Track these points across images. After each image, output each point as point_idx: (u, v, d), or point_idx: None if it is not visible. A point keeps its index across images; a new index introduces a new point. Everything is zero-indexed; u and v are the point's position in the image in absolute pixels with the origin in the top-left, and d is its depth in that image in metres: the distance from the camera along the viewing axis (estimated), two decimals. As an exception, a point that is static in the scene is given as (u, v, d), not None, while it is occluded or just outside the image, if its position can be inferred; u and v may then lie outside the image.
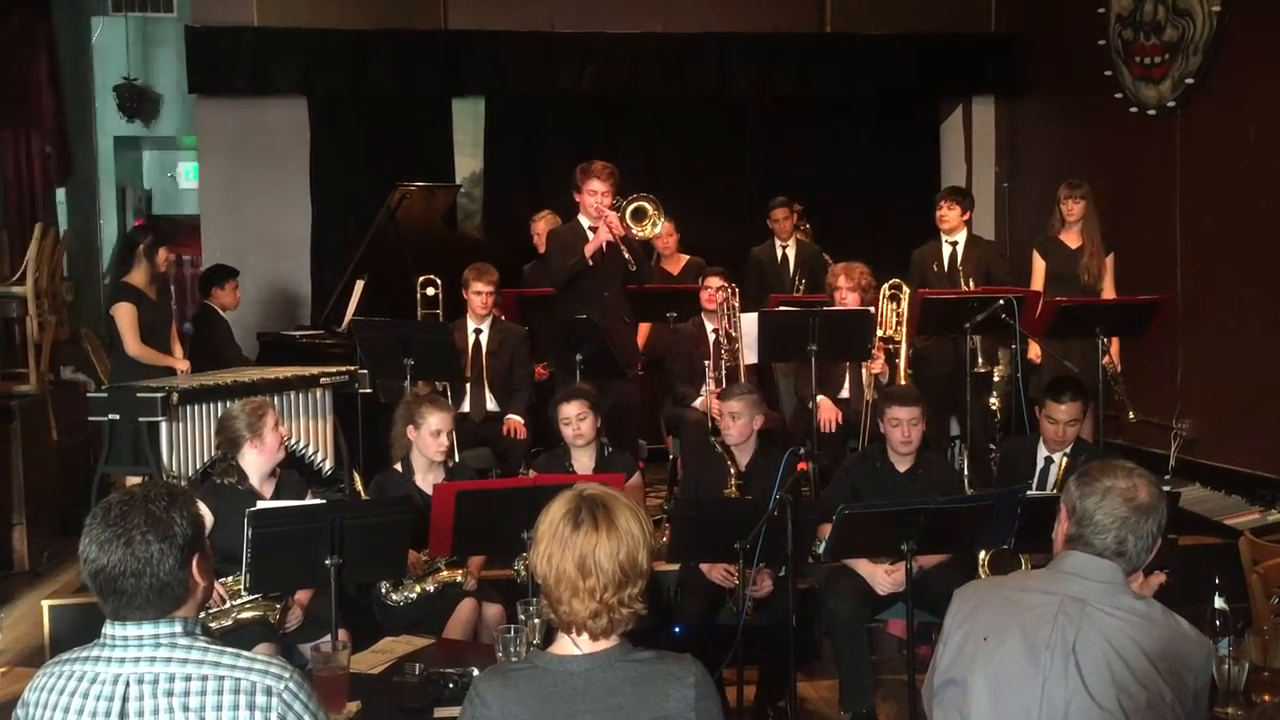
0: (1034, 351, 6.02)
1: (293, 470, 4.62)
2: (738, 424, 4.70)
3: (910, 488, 4.59)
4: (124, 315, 5.98)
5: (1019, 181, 9.10)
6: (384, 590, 4.21)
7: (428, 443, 4.44)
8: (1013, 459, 5.12)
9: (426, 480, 4.44)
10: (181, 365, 6.11)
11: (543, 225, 7.29)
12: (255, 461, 4.23)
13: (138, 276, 6.07)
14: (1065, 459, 4.73)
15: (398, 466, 4.57)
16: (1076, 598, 2.26)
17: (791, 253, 7.48)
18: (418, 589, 4.21)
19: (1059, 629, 2.24)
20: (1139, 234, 6.99)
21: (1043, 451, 4.85)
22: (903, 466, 4.68)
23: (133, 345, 5.96)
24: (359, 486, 5.33)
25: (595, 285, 5.78)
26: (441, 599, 4.22)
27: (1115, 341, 5.99)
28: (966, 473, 5.94)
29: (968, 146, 9.41)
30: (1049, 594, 2.29)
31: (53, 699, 1.96)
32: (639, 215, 5.64)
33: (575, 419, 4.71)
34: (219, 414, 5.15)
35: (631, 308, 6.04)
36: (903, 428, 4.60)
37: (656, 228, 5.75)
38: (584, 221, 5.80)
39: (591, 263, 5.68)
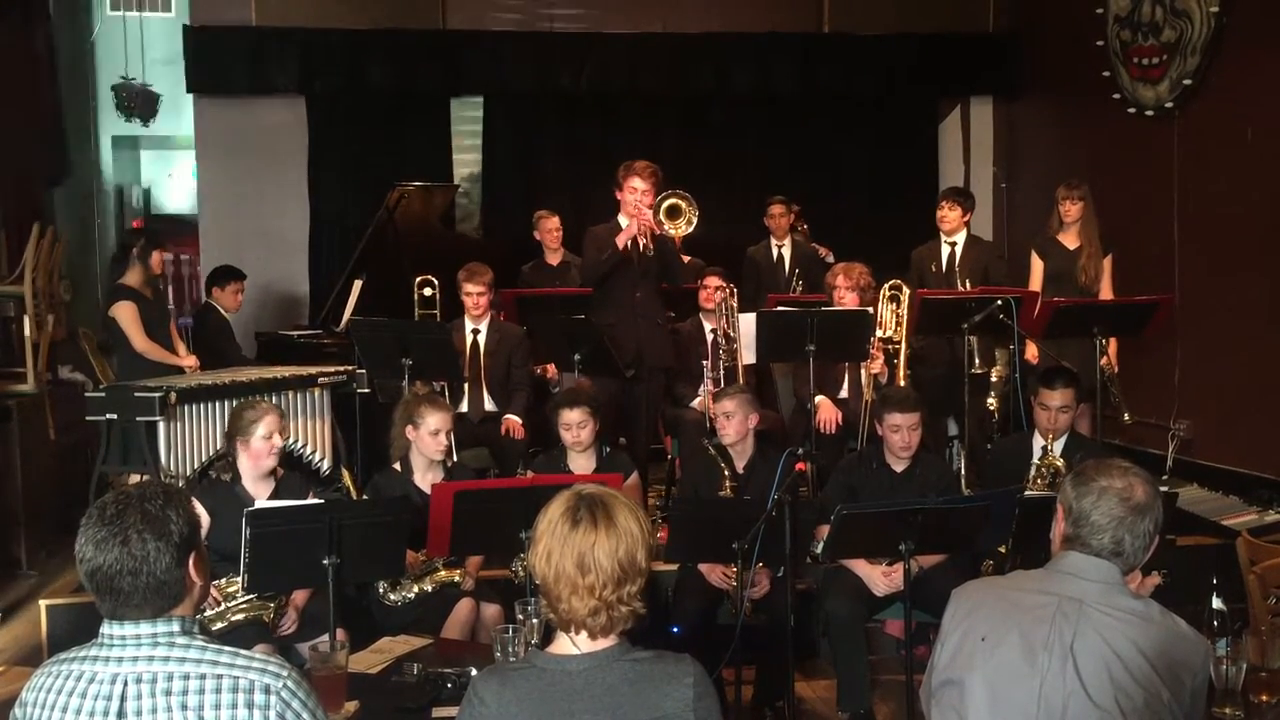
0: (1031, 352, 6.03)
1: (296, 472, 4.63)
2: (732, 423, 4.70)
3: (907, 488, 4.59)
4: (125, 313, 6.00)
5: (1017, 182, 9.11)
6: (382, 590, 4.21)
7: (427, 442, 4.44)
8: (1003, 459, 5.14)
9: (425, 480, 4.44)
10: (189, 363, 6.12)
11: (554, 224, 7.34)
12: (242, 463, 4.24)
13: (133, 278, 6.09)
14: (1052, 439, 4.77)
15: (396, 466, 4.57)
16: (1074, 598, 2.26)
17: (787, 252, 7.48)
18: (416, 589, 4.20)
19: (1057, 629, 2.24)
20: (1137, 235, 7.00)
21: (1038, 442, 4.88)
22: (899, 467, 4.68)
23: (140, 341, 5.99)
24: (349, 483, 5.33)
25: (626, 285, 5.77)
26: (439, 599, 4.21)
27: (1113, 343, 5.99)
28: (964, 473, 5.96)
29: (966, 147, 9.42)
30: (1047, 594, 2.30)
31: (51, 698, 1.96)
32: (674, 213, 5.63)
33: (576, 426, 4.70)
34: (217, 414, 5.18)
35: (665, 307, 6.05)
36: (902, 433, 4.60)
37: (691, 225, 5.71)
38: (623, 221, 5.78)
39: (625, 254, 5.65)
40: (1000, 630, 2.30)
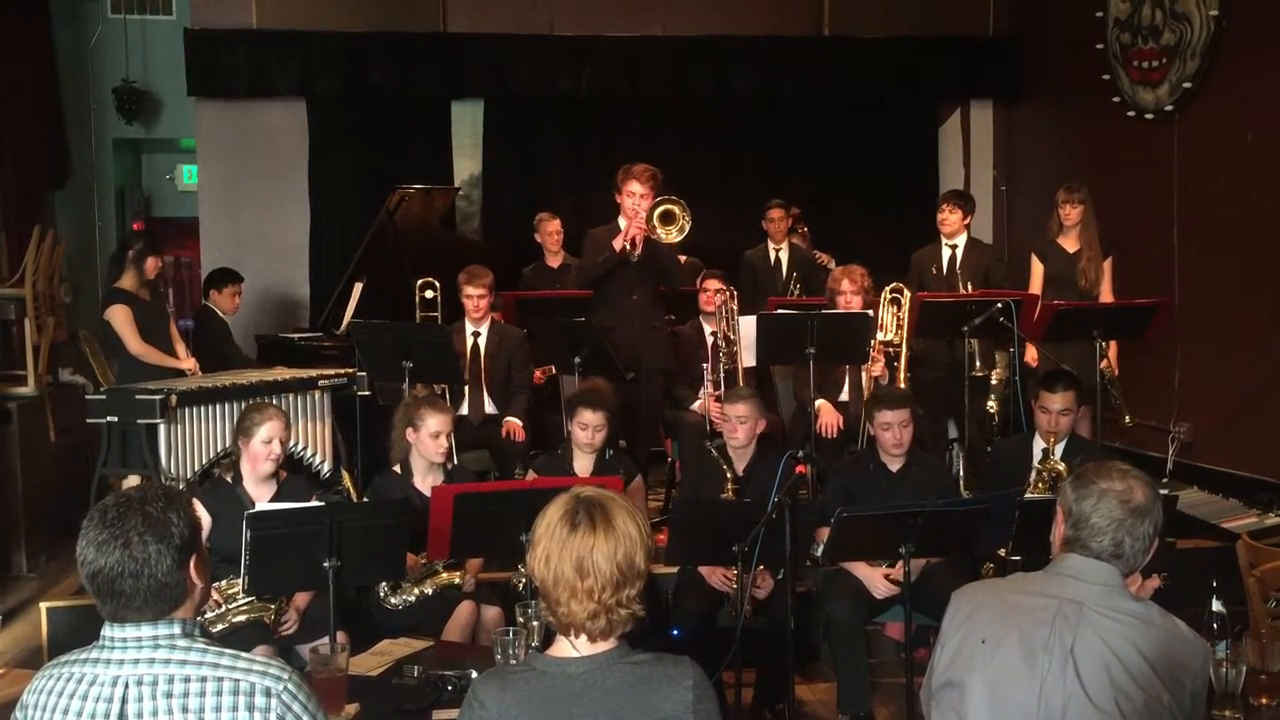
0: (1031, 355, 6.04)
1: (299, 475, 4.63)
2: (745, 427, 4.70)
3: (903, 487, 4.60)
4: (119, 316, 5.98)
5: (1017, 185, 9.12)
6: (382, 595, 4.20)
7: (427, 444, 4.44)
8: (1003, 460, 5.14)
9: (426, 482, 4.44)
10: (188, 365, 6.11)
11: (554, 226, 7.34)
12: (243, 462, 4.25)
13: (127, 280, 6.07)
14: (1053, 441, 4.77)
15: (396, 469, 4.57)
16: (1074, 600, 2.27)
17: (784, 256, 7.48)
18: (415, 592, 4.20)
19: (1057, 632, 2.24)
20: (1137, 237, 7.00)
21: (1038, 444, 4.88)
22: (895, 466, 4.69)
23: (135, 344, 5.97)
24: (348, 484, 5.34)
25: (623, 288, 5.77)
26: (440, 601, 4.21)
27: (1113, 345, 6.00)
28: (962, 475, 5.96)
29: (966, 150, 9.42)
30: (1047, 597, 2.30)
31: (51, 701, 1.96)
32: (667, 218, 5.63)
33: (593, 428, 4.70)
34: (217, 416, 5.19)
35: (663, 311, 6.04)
36: (893, 430, 4.61)
37: (684, 233, 5.73)
38: (623, 224, 5.78)
39: (620, 257, 5.65)
40: (1000, 632, 2.30)
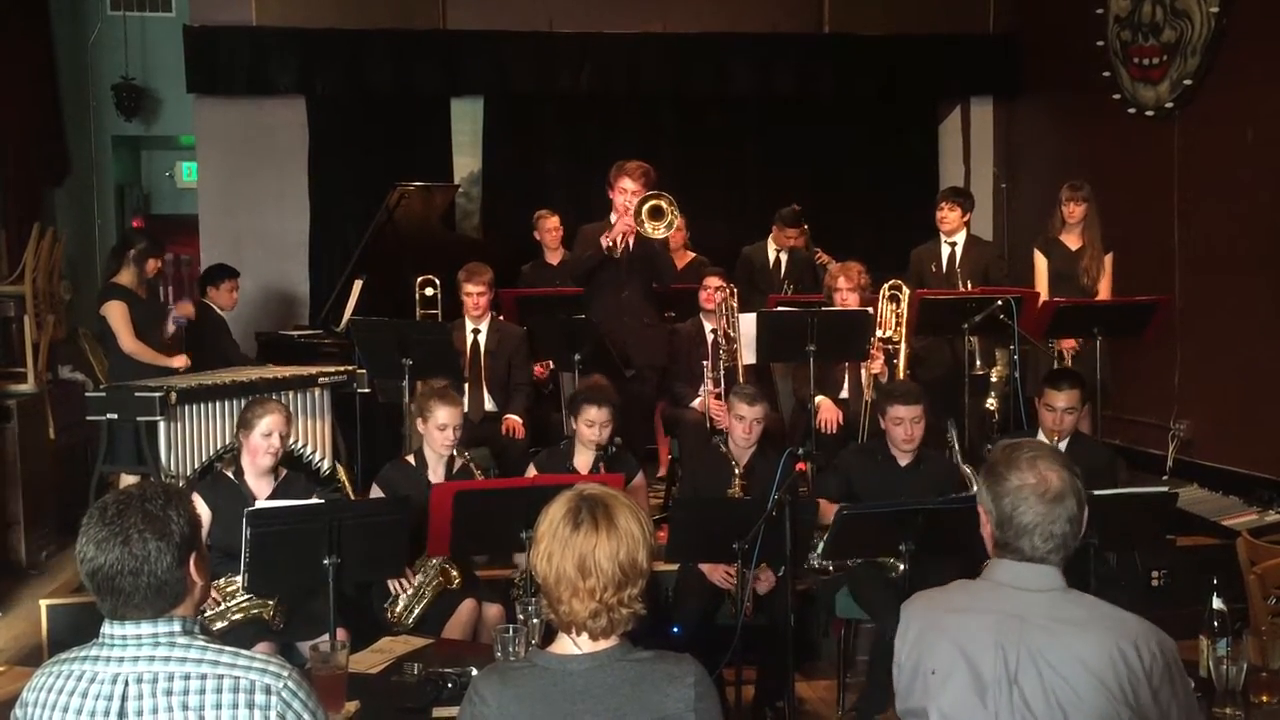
0: (1068, 344, 6.03)
1: (300, 473, 4.63)
2: (757, 429, 4.70)
3: (909, 482, 4.59)
4: (115, 312, 5.97)
5: (1017, 182, 9.11)
6: (389, 617, 4.20)
7: (434, 436, 4.45)
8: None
9: (437, 473, 4.47)
10: (178, 363, 6.10)
11: (553, 223, 7.34)
12: (243, 456, 4.25)
13: (125, 277, 6.07)
14: (1057, 440, 4.75)
15: (410, 459, 4.58)
16: (1015, 615, 2.18)
17: (784, 256, 7.48)
18: (418, 608, 4.19)
19: (1000, 658, 2.16)
20: (1137, 235, 7.00)
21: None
22: (904, 461, 4.69)
23: (128, 341, 5.96)
24: (344, 478, 5.33)
25: (614, 284, 5.77)
26: (440, 599, 4.21)
27: (1071, 343, 6.03)
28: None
29: (966, 147, 9.42)
30: (986, 613, 2.21)
31: (51, 698, 1.96)
32: (656, 214, 5.62)
33: (599, 425, 4.69)
34: (217, 413, 5.19)
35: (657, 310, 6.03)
36: (905, 426, 4.60)
37: (672, 229, 5.73)
38: (614, 220, 5.78)
39: (606, 255, 5.65)
40: (947, 663, 2.22)
